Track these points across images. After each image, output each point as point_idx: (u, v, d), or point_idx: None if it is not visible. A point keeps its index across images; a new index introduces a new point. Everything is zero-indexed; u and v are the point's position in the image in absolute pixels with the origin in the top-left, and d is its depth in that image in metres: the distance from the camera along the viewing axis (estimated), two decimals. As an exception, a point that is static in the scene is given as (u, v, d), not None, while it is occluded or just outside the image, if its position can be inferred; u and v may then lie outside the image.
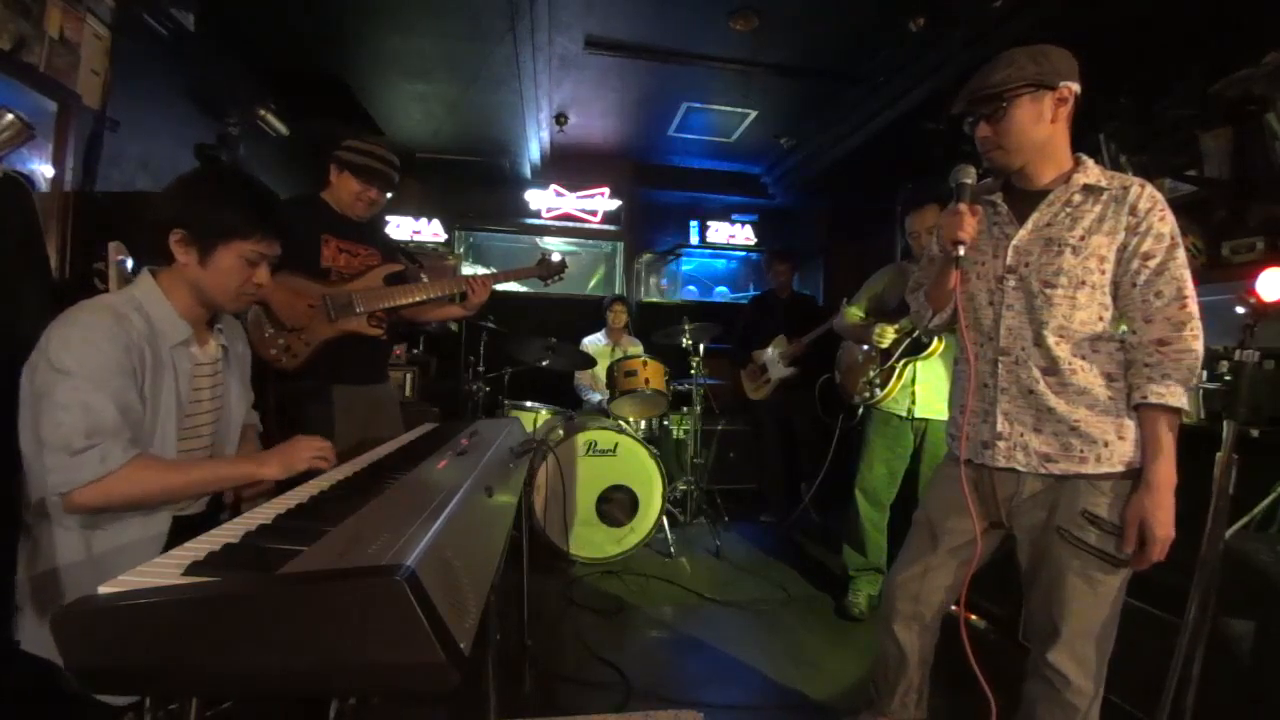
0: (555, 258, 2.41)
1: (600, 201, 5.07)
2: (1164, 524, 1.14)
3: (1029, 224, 1.29)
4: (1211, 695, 1.36)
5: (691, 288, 5.75)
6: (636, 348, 4.12)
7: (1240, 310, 1.98)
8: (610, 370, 3.49)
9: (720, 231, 5.34)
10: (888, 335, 2.37)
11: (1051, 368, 1.25)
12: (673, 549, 3.17)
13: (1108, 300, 1.24)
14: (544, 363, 3.26)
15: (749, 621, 2.46)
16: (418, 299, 2.05)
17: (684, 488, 3.70)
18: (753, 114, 4.00)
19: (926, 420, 2.36)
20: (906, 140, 3.48)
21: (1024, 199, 1.32)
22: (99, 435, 1.03)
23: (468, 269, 5.07)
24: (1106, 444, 1.21)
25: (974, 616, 2.28)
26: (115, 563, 1.09)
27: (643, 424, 3.72)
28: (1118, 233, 1.21)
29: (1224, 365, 1.48)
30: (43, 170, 2.12)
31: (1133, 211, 1.20)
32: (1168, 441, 1.17)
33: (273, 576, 0.66)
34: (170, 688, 0.75)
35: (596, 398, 3.85)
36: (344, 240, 2.01)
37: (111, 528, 1.12)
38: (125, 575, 0.67)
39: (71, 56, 2.16)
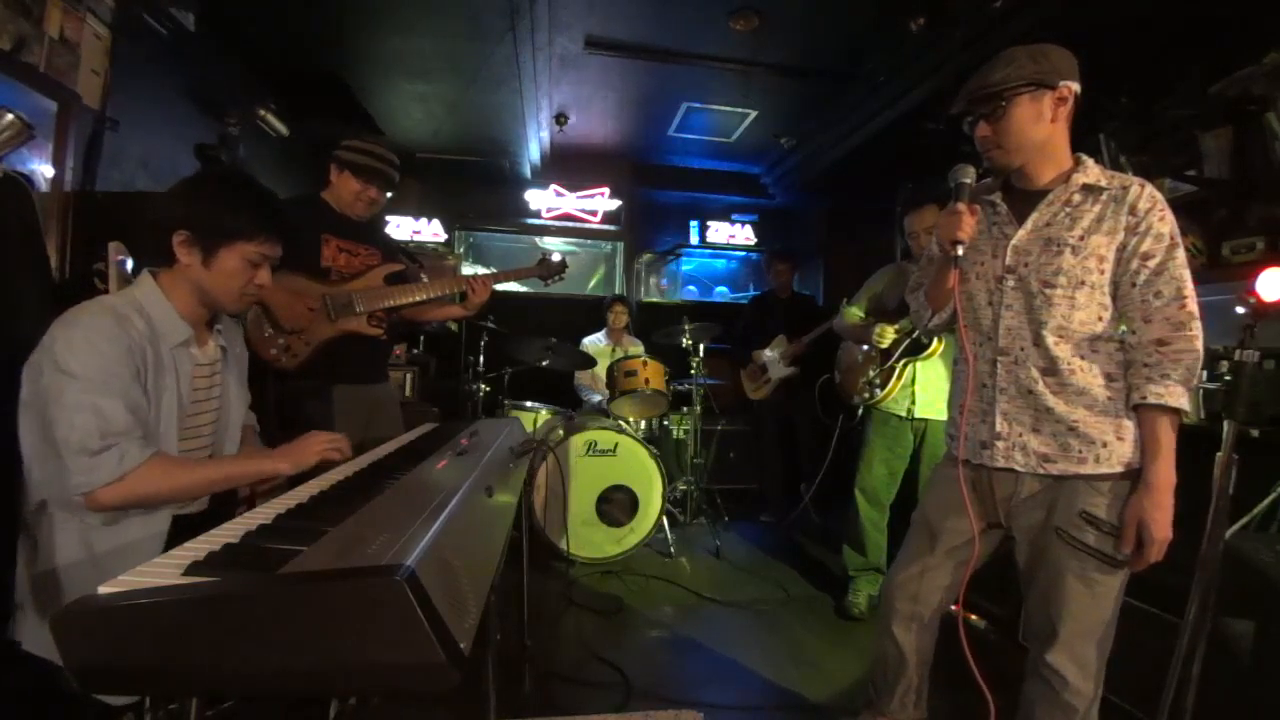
0: (555, 258, 2.41)
1: (600, 201, 5.07)
2: (1162, 525, 1.14)
3: (1028, 224, 1.29)
4: (1211, 695, 1.36)
5: (691, 288, 5.75)
6: (637, 348, 4.11)
7: (1240, 310, 1.99)
8: (610, 370, 3.49)
9: (720, 231, 5.34)
10: (887, 335, 2.37)
11: (1050, 368, 1.25)
12: (673, 549, 3.17)
13: (1107, 300, 1.24)
14: (544, 363, 3.26)
15: (749, 621, 2.46)
16: (418, 299, 2.05)
17: (684, 488, 3.71)
18: (753, 114, 4.00)
19: (926, 420, 2.36)
20: (906, 140, 3.48)
21: (1023, 199, 1.31)
22: (114, 435, 1.05)
23: (468, 269, 5.07)
24: (1105, 444, 1.21)
25: (974, 616, 2.28)
26: (115, 563, 1.09)
27: (643, 424, 3.72)
28: (1117, 233, 1.21)
29: (1224, 365, 1.48)
30: (43, 170, 2.13)
31: (1132, 211, 1.20)
32: (1167, 442, 1.16)
33: (273, 576, 0.66)
34: (170, 688, 0.75)
35: (596, 398, 3.85)
36: (344, 240, 2.01)
37: (112, 528, 1.12)
38: (125, 575, 0.67)
39: (71, 56, 2.17)
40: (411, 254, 3.25)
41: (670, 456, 4.04)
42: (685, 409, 4.01)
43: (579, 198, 5.05)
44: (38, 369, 1.06)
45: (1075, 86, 1.24)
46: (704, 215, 5.33)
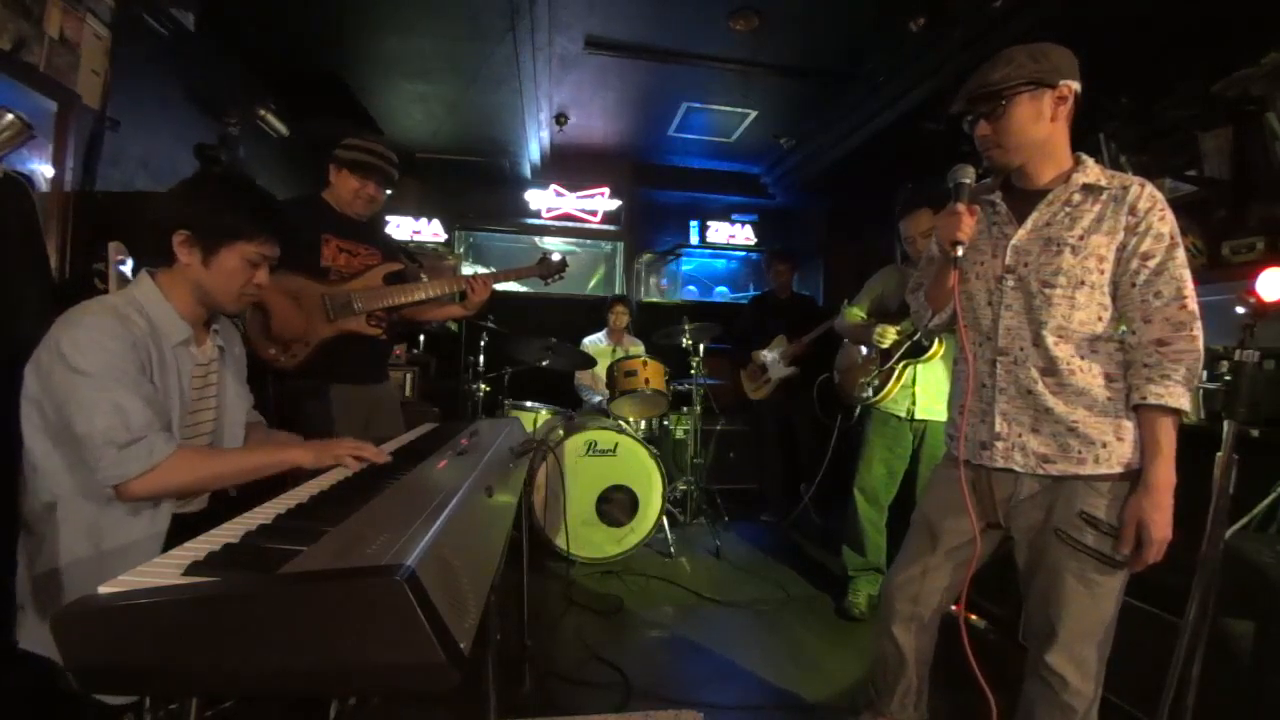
0: (556, 257, 2.41)
1: (600, 201, 5.07)
2: (1162, 525, 1.14)
3: (1028, 224, 1.28)
4: (1211, 695, 1.35)
5: (691, 288, 5.74)
6: (638, 348, 4.12)
7: (1240, 310, 1.99)
8: (610, 370, 3.49)
9: (720, 231, 5.34)
10: (888, 337, 2.37)
11: (1050, 368, 1.25)
12: (673, 549, 3.17)
13: (1107, 300, 1.23)
14: (544, 363, 3.26)
15: (749, 621, 2.46)
16: (417, 298, 2.05)
17: (684, 488, 3.70)
18: (753, 114, 4.00)
19: (926, 421, 2.36)
20: (906, 140, 3.48)
21: (1023, 198, 1.31)
22: (138, 429, 1.06)
23: (468, 269, 5.07)
24: (1105, 445, 1.20)
25: (974, 616, 2.28)
26: (116, 562, 1.09)
27: (643, 424, 3.72)
28: (1117, 232, 1.21)
29: (1224, 365, 1.48)
30: (43, 170, 2.12)
31: (1132, 211, 1.20)
32: (1167, 442, 1.16)
33: (273, 576, 0.66)
34: (170, 688, 0.75)
35: (597, 398, 3.85)
36: (344, 240, 2.01)
37: (113, 527, 1.12)
38: (125, 575, 0.67)
39: (71, 56, 2.16)
40: (411, 254, 3.26)
41: (670, 456, 4.04)
42: (685, 409, 4.01)
43: (579, 198, 5.05)
44: (46, 369, 1.07)
45: (1075, 85, 1.23)
46: (704, 215, 5.33)
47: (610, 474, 3.02)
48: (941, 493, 1.42)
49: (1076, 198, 1.25)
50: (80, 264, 2.04)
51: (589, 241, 5.44)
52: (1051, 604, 1.24)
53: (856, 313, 2.63)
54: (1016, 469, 1.28)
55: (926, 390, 2.35)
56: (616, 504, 3.02)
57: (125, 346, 1.10)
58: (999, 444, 1.30)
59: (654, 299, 5.42)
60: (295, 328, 1.85)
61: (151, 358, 1.16)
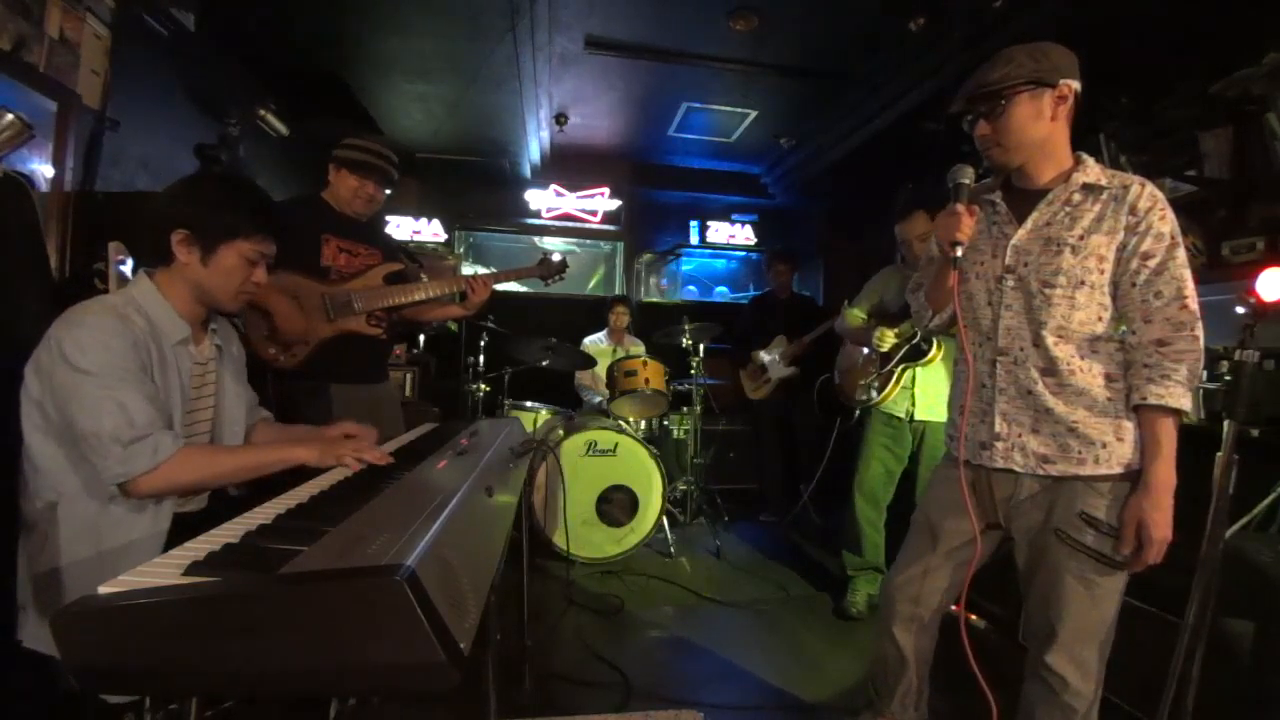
0: (556, 257, 2.41)
1: (600, 201, 5.07)
2: (1162, 526, 1.13)
3: (1028, 223, 1.28)
4: (1211, 695, 1.35)
5: (691, 288, 5.74)
6: (638, 348, 4.12)
7: (1240, 310, 1.99)
8: (610, 370, 3.49)
9: (720, 231, 5.34)
10: (887, 339, 2.37)
11: (1050, 368, 1.25)
12: (673, 549, 3.17)
13: (1107, 300, 1.23)
14: (544, 363, 3.26)
15: (749, 621, 2.46)
16: (417, 298, 2.05)
17: (684, 488, 3.70)
18: (753, 114, 4.00)
19: (925, 422, 2.36)
20: (906, 140, 3.48)
21: (1023, 198, 1.31)
22: (143, 426, 1.07)
23: (468, 269, 5.07)
24: (1105, 445, 1.20)
25: (974, 617, 2.28)
26: (117, 562, 1.09)
27: (643, 424, 3.72)
28: (1117, 232, 1.21)
29: (1224, 365, 1.48)
30: (43, 170, 2.12)
31: (1132, 211, 1.20)
32: (1167, 443, 1.16)
33: (273, 576, 0.66)
34: (170, 688, 0.75)
35: (597, 398, 3.85)
36: (344, 240, 2.01)
37: (114, 527, 1.12)
38: (125, 575, 0.67)
39: (71, 56, 2.16)
40: (411, 254, 3.25)
41: (670, 456, 4.04)
42: (685, 409, 4.01)
43: (579, 198, 5.05)
44: (47, 369, 1.07)
45: (1075, 85, 1.23)
46: (704, 215, 5.33)
47: (610, 474, 3.02)
48: (941, 493, 1.42)
49: (1076, 197, 1.25)
50: (80, 264, 2.04)
51: (589, 241, 5.45)
52: (1051, 604, 1.24)
53: (857, 314, 2.63)
54: (1016, 469, 1.28)
55: (926, 391, 2.35)
56: (616, 504, 3.02)
57: (127, 345, 1.10)
58: (999, 444, 1.30)
59: (654, 299, 5.42)
60: (295, 327, 1.85)
61: (152, 357, 1.16)
